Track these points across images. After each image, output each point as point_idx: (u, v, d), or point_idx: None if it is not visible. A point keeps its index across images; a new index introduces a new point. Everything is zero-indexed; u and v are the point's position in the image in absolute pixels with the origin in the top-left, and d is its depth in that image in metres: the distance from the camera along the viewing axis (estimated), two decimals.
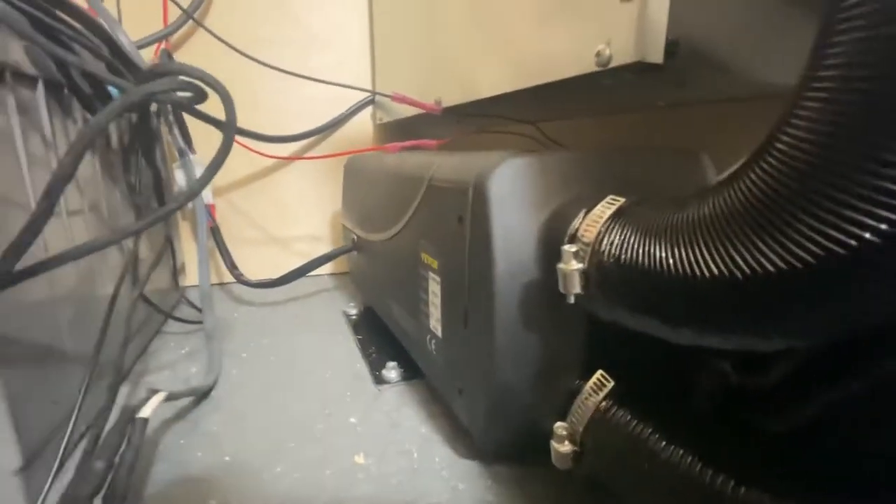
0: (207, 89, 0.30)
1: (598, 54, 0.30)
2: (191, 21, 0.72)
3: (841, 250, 0.15)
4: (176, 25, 0.68)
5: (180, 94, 0.28)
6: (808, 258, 0.16)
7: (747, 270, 0.18)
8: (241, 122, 0.69)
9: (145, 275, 0.49)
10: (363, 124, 0.84)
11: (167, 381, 0.50)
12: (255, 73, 0.70)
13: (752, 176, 0.18)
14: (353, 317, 0.68)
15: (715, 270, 0.19)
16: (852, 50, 0.13)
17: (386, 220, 0.51)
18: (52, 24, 0.32)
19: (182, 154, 0.66)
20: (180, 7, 0.64)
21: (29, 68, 0.35)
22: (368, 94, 0.79)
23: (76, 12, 0.37)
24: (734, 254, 0.18)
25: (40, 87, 0.36)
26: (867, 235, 0.14)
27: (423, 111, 0.58)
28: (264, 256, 0.85)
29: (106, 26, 0.41)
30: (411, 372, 0.50)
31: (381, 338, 0.60)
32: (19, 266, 0.25)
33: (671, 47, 0.27)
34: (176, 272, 0.68)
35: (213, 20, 0.74)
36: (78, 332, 0.40)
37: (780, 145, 0.17)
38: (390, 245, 0.50)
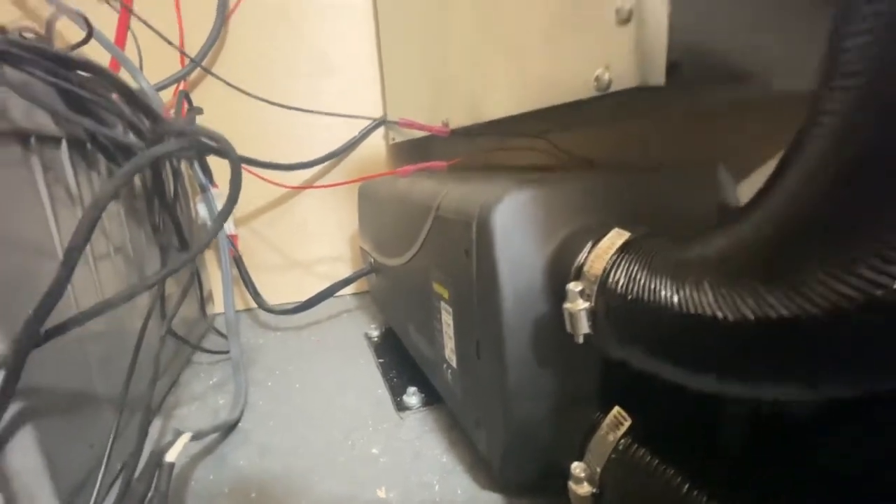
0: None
1: (596, 79, 0.29)
2: (207, 57, 0.75)
3: (846, 304, 0.14)
4: (189, 69, 0.70)
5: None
6: (812, 309, 0.15)
7: (751, 317, 0.17)
8: (259, 152, 0.72)
9: (172, 311, 0.51)
10: (377, 146, 0.85)
11: (196, 413, 0.51)
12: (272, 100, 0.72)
13: (755, 218, 0.17)
14: (375, 338, 0.69)
15: (719, 314, 0.18)
16: (851, 101, 0.12)
17: (399, 246, 0.51)
18: (76, 90, 0.33)
19: (203, 189, 0.68)
20: (188, 56, 0.66)
21: (53, 130, 0.37)
22: (379, 119, 0.80)
23: (98, 71, 0.39)
24: (738, 299, 0.17)
25: (64, 145, 0.38)
26: (878, 292, 0.13)
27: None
28: (288, 279, 0.87)
29: (137, 88, 0.43)
30: (432, 396, 0.50)
31: (401, 361, 0.60)
32: (48, 323, 0.27)
33: (673, 68, 0.26)
34: (203, 302, 0.70)
35: (230, 53, 0.76)
36: (108, 373, 0.41)
37: (783, 187, 0.16)
38: (404, 270, 0.50)
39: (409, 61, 0.67)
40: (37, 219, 0.35)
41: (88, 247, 0.43)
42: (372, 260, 0.67)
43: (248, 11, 0.75)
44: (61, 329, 0.27)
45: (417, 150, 0.86)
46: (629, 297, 0.22)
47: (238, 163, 0.29)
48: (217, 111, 0.74)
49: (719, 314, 0.17)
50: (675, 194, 0.32)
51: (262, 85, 0.77)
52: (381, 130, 0.85)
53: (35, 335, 0.25)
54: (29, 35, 0.45)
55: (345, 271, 0.89)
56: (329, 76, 0.80)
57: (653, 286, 0.21)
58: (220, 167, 0.72)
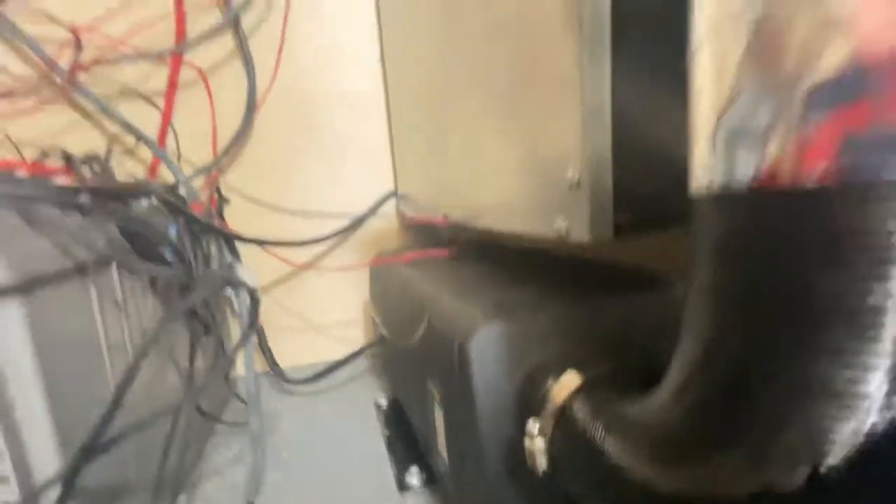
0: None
1: (556, 227, 0.34)
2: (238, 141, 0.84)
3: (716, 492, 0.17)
4: (209, 168, 0.79)
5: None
6: (693, 491, 0.18)
7: (660, 483, 0.20)
8: (277, 229, 0.79)
9: (199, 391, 0.56)
10: (390, 218, 0.92)
11: (216, 489, 0.56)
12: (294, 183, 0.80)
13: (660, 394, 0.21)
14: (384, 408, 0.73)
15: (636, 477, 0.22)
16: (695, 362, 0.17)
17: (402, 331, 0.55)
18: (136, 228, 0.40)
19: (230, 267, 0.75)
20: (197, 167, 0.74)
21: (107, 256, 0.44)
22: (388, 194, 0.87)
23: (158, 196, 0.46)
24: (647, 468, 0.21)
25: (114, 264, 0.45)
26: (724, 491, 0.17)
27: None
28: (303, 343, 0.93)
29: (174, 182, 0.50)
30: (433, 475, 0.54)
31: (405, 434, 0.63)
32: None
33: (620, 228, 0.31)
34: (227, 375, 0.76)
35: (258, 132, 0.85)
36: (141, 461, 0.46)
37: (668, 384, 0.20)
38: (406, 355, 0.55)
39: (416, 152, 0.74)
40: (89, 332, 0.41)
41: (128, 344, 0.50)
42: (382, 332, 0.72)
43: (275, 104, 0.84)
44: (110, 444, 0.32)
45: (426, 226, 0.92)
46: (578, 443, 0.26)
47: (257, 301, 0.34)
48: (244, 193, 0.83)
49: (636, 476, 0.21)
50: (643, 323, 0.35)
51: (286, 169, 0.86)
52: (393, 202, 0.92)
53: (94, 449, 0.30)
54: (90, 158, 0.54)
55: (357, 335, 0.94)
56: (347, 154, 0.88)
57: (593, 434, 0.25)
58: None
